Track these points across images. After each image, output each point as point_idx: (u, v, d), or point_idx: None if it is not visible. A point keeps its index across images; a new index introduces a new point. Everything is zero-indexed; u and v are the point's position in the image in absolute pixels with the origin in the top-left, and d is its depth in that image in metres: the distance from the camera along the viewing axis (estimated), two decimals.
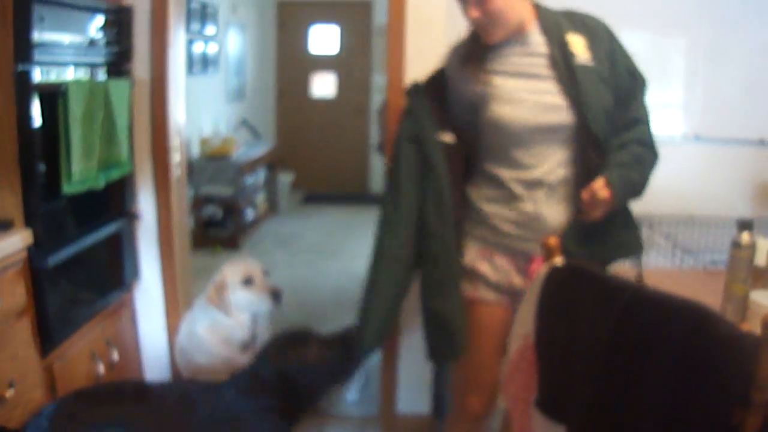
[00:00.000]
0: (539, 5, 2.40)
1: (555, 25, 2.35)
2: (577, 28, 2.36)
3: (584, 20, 2.38)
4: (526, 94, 2.32)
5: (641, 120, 2.39)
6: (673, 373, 1.57)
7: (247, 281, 2.93)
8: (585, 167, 2.33)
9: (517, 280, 2.43)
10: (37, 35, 2.52)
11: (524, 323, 2.05)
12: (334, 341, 2.69)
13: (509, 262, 2.43)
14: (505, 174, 2.39)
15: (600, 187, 2.21)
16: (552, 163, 2.35)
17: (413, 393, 3.64)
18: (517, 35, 2.35)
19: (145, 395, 2.60)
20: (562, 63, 2.31)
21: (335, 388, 2.66)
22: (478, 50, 2.42)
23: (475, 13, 2.28)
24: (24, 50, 2.48)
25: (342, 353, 2.64)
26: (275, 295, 2.96)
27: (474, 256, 2.48)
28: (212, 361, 2.91)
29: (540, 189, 2.35)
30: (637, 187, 2.35)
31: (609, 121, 2.33)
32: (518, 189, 2.37)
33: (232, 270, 2.96)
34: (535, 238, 2.31)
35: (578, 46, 2.32)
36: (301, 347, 2.62)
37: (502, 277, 2.45)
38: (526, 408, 2.11)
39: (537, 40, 2.35)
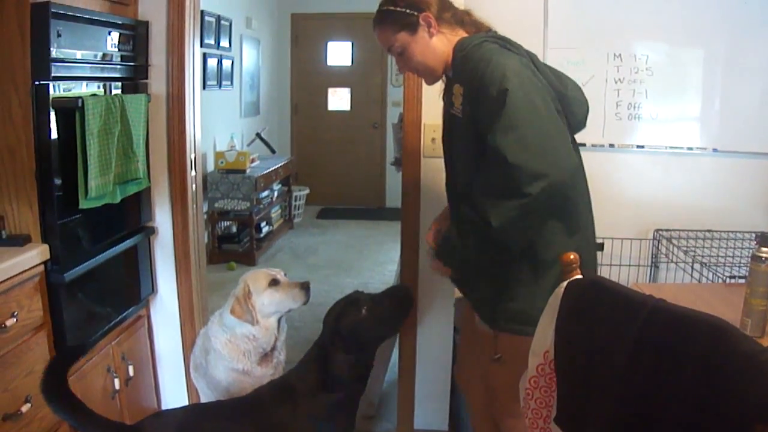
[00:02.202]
0: (457, 46, 2.34)
1: (454, 72, 2.35)
2: (460, 78, 2.29)
3: (466, 66, 2.26)
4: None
5: (479, 182, 2.20)
6: (693, 388, 1.55)
7: (273, 282, 2.93)
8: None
9: None
10: (55, 50, 2.54)
11: (543, 340, 2.04)
12: (382, 298, 2.86)
13: None
14: None
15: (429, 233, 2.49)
16: None
17: (431, 409, 3.62)
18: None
19: (257, 408, 2.66)
20: (446, 113, 2.43)
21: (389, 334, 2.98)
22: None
23: (403, 69, 2.52)
24: (41, 65, 2.50)
25: (391, 305, 2.84)
26: (305, 288, 2.97)
27: None
28: (229, 376, 2.91)
29: None
30: (455, 253, 2.35)
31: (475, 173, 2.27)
32: None
33: (254, 277, 2.96)
34: None
35: (457, 95, 2.29)
36: (353, 309, 2.76)
37: None
38: (545, 425, 2.09)
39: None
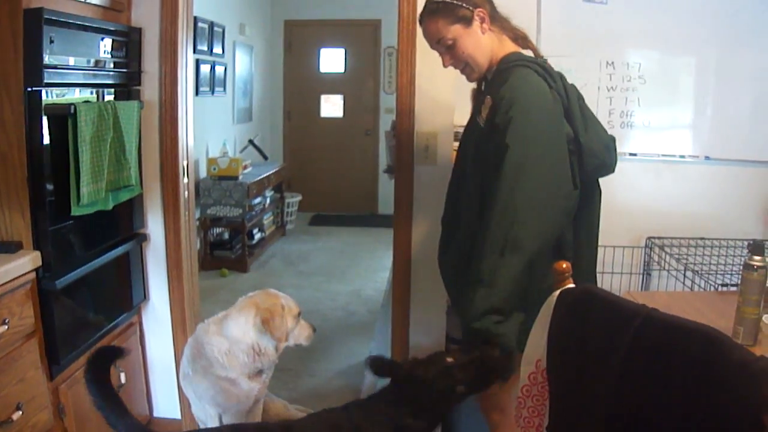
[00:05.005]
0: (503, 58, 2.43)
1: (491, 81, 2.46)
2: (492, 90, 2.39)
3: (499, 80, 2.37)
4: None
5: (488, 215, 2.26)
6: (686, 397, 1.55)
7: (299, 314, 2.95)
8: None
9: None
10: (47, 57, 2.53)
11: (535, 348, 2.04)
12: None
13: None
14: None
15: None
16: None
17: None
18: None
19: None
20: (472, 117, 2.50)
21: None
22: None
23: (448, 60, 2.49)
24: (34, 71, 2.49)
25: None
26: (313, 332, 2.99)
27: None
28: (217, 385, 2.89)
29: None
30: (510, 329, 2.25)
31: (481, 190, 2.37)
32: None
33: (289, 303, 2.95)
34: None
35: (486, 106, 2.37)
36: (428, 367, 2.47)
37: None
38: None
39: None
